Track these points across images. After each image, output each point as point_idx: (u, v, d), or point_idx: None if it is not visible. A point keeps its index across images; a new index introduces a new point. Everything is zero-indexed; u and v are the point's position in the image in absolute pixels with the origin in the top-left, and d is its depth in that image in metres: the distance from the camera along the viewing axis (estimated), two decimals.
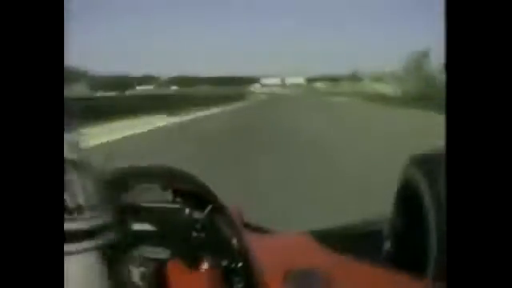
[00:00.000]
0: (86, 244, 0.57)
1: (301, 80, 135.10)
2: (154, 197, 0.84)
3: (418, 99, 29.85)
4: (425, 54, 39.11)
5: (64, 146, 0.56)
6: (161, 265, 0.77)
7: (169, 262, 0.78)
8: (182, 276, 0.77)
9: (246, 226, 1.26)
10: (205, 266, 0.79)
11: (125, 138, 12.34)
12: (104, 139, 10.34)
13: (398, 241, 1.13)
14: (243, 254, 0.82)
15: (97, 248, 0.59)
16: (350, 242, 1.19)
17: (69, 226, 0.56)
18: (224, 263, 0.82)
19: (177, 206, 0.83)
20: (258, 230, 1.29)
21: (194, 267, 0.78)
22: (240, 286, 0.82)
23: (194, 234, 0.81)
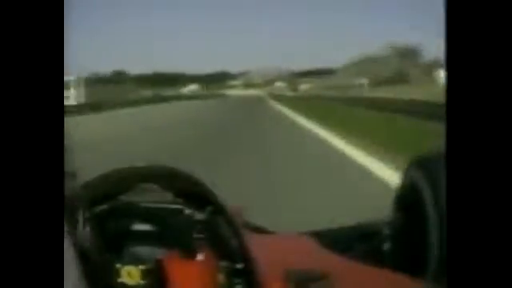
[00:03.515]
0: None
1: None
2: (155, 197, 0.84)
3: None
4: None
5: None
6: (161, 262, 0.77)
7: (166, 254, 0.78)
8: (180, 267, 0.77)
9: (246, 226, 1.26)
10: (200, 256, 0.79)
11: None
12: None
13: (398, 241, 1.13)
14: (244, 255, 0.82)
15: None
16: (350, 242, 1.19)
17: None
18: (224, 264, 0.82)
19: (177, 206, 0.83)
20: (257, 230, 1.28)
21: (191, 257, 0.78)
22: (240, 286, 0.82)
23: (195, 234, 0.81)
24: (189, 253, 0.79)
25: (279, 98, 45.22)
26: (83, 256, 0.63)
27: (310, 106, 23.64)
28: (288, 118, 17.98)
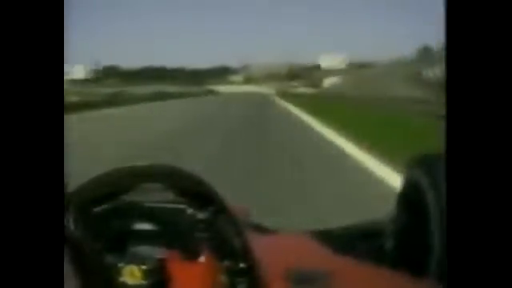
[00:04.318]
0: None
1: None
2: (157, 196, 0.84)
3: None
4: None
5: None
6: (163, 262, 0.78)
7: (167, 254, 0.78)
8: (182, 268, 0.77)
9: (248, 225, 1.26)
10: (202, 258, 0.79)
11: None
12: None
13: (400, 241, 1.13)
14: (246, 254, 0.82)
15: None
16: (351, 241, 1.18)
17: None
18: (226, 263, 0.82)
19: (179, 206, 0.83)
20: (258, 229, 1.28)
21: (193, 258, 0.79)
22: (242, 286, 0.82)
23: (197, 234, 0.81)
24: (191, 252, 0.79)
25: (288, 96, 40.88)
26: (84, 255, 0.63)
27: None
28: (307, 128, 13.32)
